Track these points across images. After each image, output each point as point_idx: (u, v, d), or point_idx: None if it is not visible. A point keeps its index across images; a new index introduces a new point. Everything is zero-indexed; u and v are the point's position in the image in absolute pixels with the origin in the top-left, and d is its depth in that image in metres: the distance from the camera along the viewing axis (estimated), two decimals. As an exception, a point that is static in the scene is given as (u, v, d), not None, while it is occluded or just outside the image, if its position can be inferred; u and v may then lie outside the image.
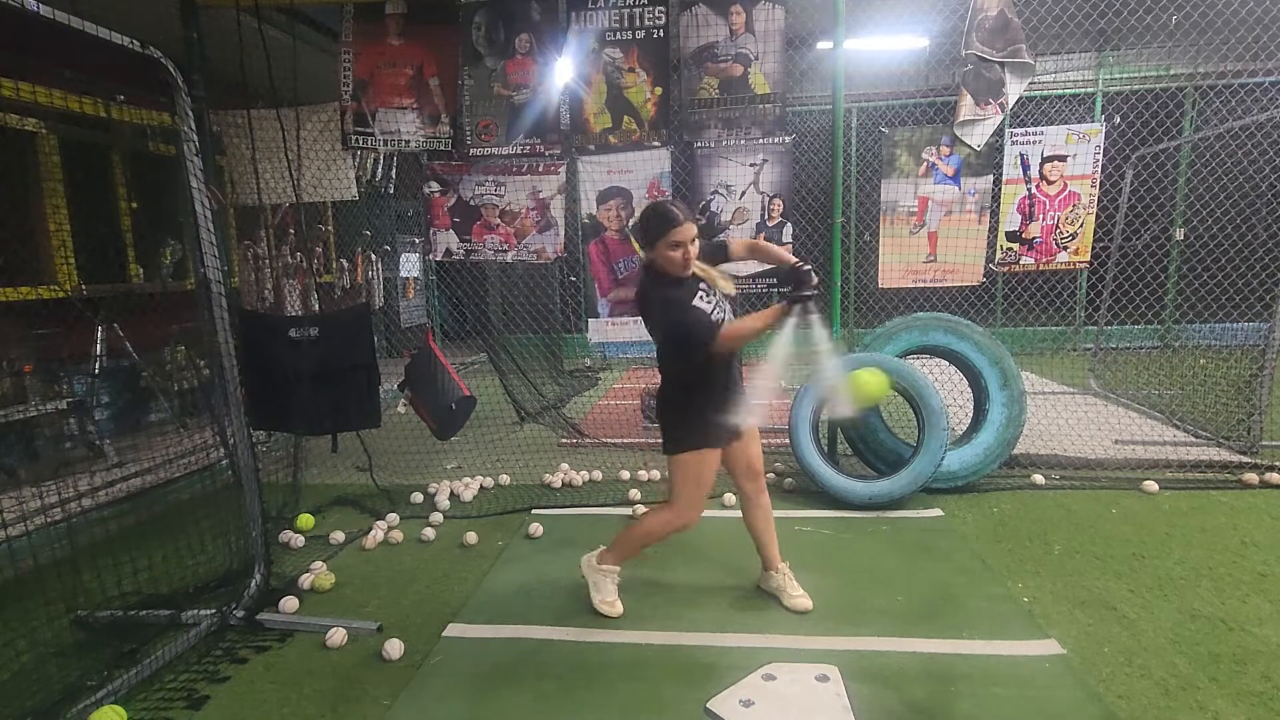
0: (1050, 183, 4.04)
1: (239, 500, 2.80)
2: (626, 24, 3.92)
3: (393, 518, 3.59)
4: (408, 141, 4.12)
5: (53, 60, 4.07)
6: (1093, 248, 4.08)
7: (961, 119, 3.89)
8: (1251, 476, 3.76)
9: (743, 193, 4.04)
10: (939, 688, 2.13)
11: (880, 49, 7.49)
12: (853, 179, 7.77)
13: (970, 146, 3.94)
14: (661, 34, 3.91)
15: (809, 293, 2.26)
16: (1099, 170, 4.02)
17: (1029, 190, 4.05)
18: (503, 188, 4.18)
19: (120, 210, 5.28)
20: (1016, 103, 3.93)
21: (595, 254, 4.24)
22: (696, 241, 2.30)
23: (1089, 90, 7.89)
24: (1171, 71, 7.68)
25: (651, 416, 4.82)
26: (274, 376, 3.57)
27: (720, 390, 2.44)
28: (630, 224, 4.11)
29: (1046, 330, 7.70)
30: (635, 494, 3.84)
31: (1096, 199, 4.05)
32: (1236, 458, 4.05)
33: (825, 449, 3.95)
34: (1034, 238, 4.08)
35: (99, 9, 2.41)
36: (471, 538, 3.34)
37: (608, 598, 2.61)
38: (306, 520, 3.59)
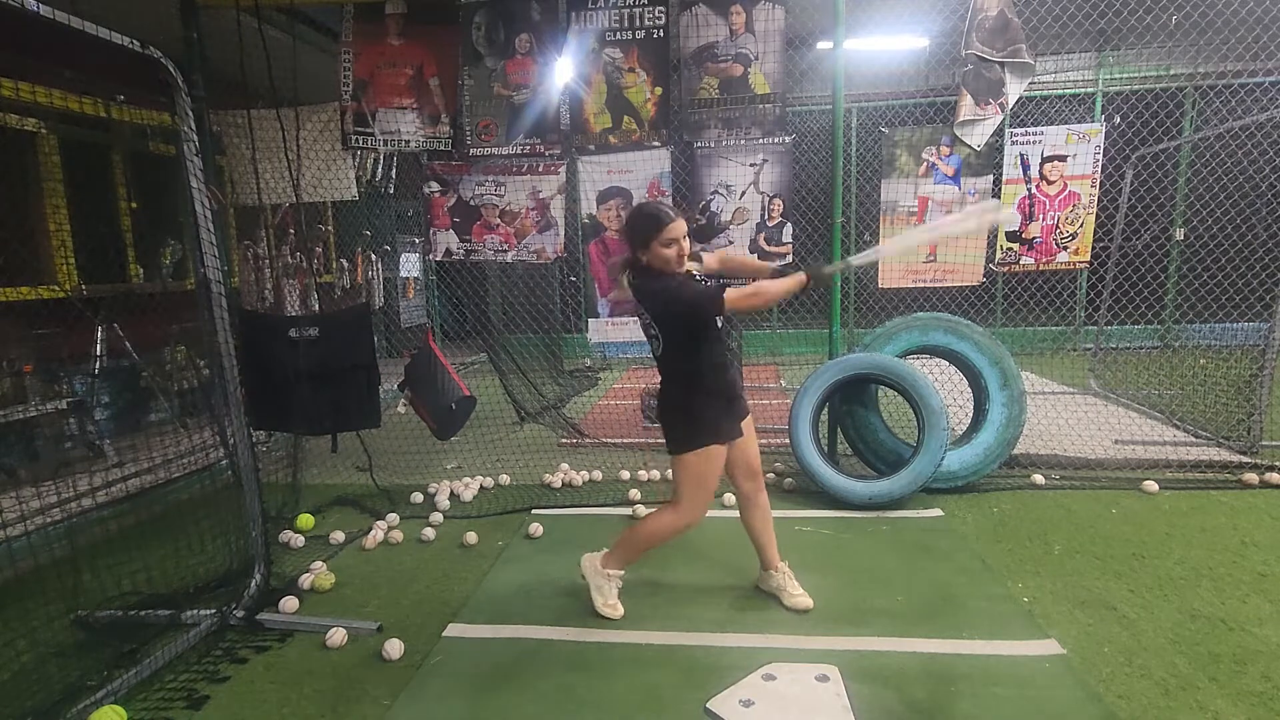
0: (1050, 183, 4.04)
1: (239, 500, 2.80)
2: (626, 24, 3.92)
3: (393, 518, 3.59)
4: (408, 141, 4.12)
5: (53, 60, 4.07)
6: (1093, 248, 4.08)
7: (961, 119, 3.89)
8: (1251, 476, 3.76)
9: (743, 193, 4.04)
10: (939, 688, 2.13)
11: (880, 49, 7.49)
12: (853, 179, 7.77)
13: (970, 146, 3.94)
14: (661, 34, 3.91)
15: (829, 271, 2.48)
16: (1099, 170, 4.02)
17: (1029, 190, 4.05)
18: (503, 188, 4.18)
19: (120, 210, 5.28)
20: (1016, 103, 3.93)
21: (595, 254, 4.24)
22: (688, 238, 2.34)
23: (1089, 90, 7.89)
24: (1171, 71, 7.68)
25: (652, 416, 4.82)
26: (274, 376, 3.57)
27: (720, 386, 2.45)
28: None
29: (1046, 330, 7.70)
30: (635, 494, 3.84)
31: (1096, 199, 4.05)
32: (1236, 458, 4.05)
33: (825, 449, 3.95)
34: (1034, 238, 4.08)
35: (99, 9, 2.41)
36: (471, 538, 3.34)
37: (609, 600, 2.60)
38: (306, 520, 3.59)
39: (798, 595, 2.62)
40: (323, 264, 6.15)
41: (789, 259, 4.07)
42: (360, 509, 3.83)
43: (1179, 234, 7.25)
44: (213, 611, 2.62)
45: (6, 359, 4.19)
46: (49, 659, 2.38)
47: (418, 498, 3.92)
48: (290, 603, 2.71)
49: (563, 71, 3.98)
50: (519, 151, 4.09)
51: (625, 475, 4.21)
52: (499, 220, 4.22)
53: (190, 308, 4.44)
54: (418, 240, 7.83)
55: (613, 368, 7.86)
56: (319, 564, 3.07)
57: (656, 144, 4.01)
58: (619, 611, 2.60)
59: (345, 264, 6.09)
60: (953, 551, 3.08)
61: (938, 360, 4.02)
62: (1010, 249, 4.11)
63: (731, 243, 4.09)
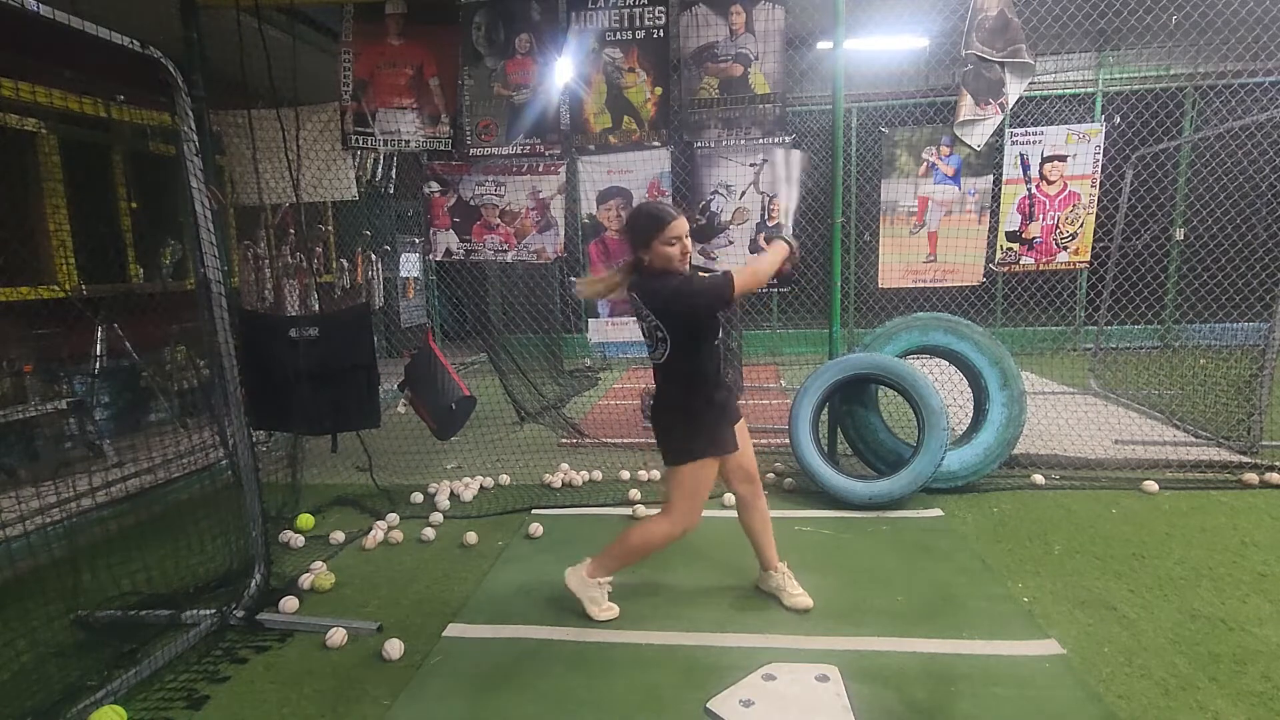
0: (1050, 183, 4.04)
1: (239, 500, 2.80)
2: (626, 24, 3.92)
3: (393, 518, 3.59)
4: (408, 141, 4.12)
5: (53, 60, 4.07)
6: (1093, 248, 4.08)
7: (961, 119, 3.89)
8: (1251, 476, 3.76)
9: (743, 193, 4.04)
10: (939, 688, 2.13)
11: (880, 49, 7.49)
12: (853, 179, 7.77)
13: (970, 146, 3.94)
14: (661, 34, 3.91)
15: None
16: (1099, 170, 4.02)
17: (1029, 190, 4.05)
18: (503, 188, 4.18)
19: (120, 210, 5.28)
20: (1016, 103, 3.93)
21: (595, 254, 4.24)
22: (689, 237, 2.35)
23: (1089, 90, 7.89)
24: (1171, 71, 7.68)
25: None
26: (274, 376, 3.57)
27: (718, 393, 2.45)
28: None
29: (1046, 330, 7.70)
30: (635, 494, 3.84)
31: (1096, 199, 4.05)
32: (1236, 458, 4.05)
33: (825, 449, 3.95)
34: (1034, 238, 4.08)
35: (99, 9, 2.41)
36: (471, 538, 3.34)
37: (602, 605, 2.60)
38: (306, 520, 3.59)
39: (797, 595, 2.62)
40: (323, 264, 6.15)
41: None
42: (360, 509, 3.83)
43: (1179, 234, 7.25)
44: (213, 611, 2.62)
45: (6, 359, 4.19)
46: (49, 659, 2.38)
47: (418, 498, 3.92)
48: (290, 603, 2.71)
49: (563, 71, 3.98)
50: (519, 151, 4.09)
51: (625, 475, 4.21)
52: (499, 220, 4.22)
53: (190, 308, 4.44)
54: (418, 240, 7.83)
55: (613, 368, 7.87)
56: (319, 564, 3.07)
57: (656, 144, 4.01)
58: (615, 612, 2.60)
59: (345, 264, 6.09)
60: (953, 551, 3.08)
61: (938, 360, 4.02)
62: (1010, 249, 4.11)
63: (731, 243, 4.08)
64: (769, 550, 2.68)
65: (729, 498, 3.51)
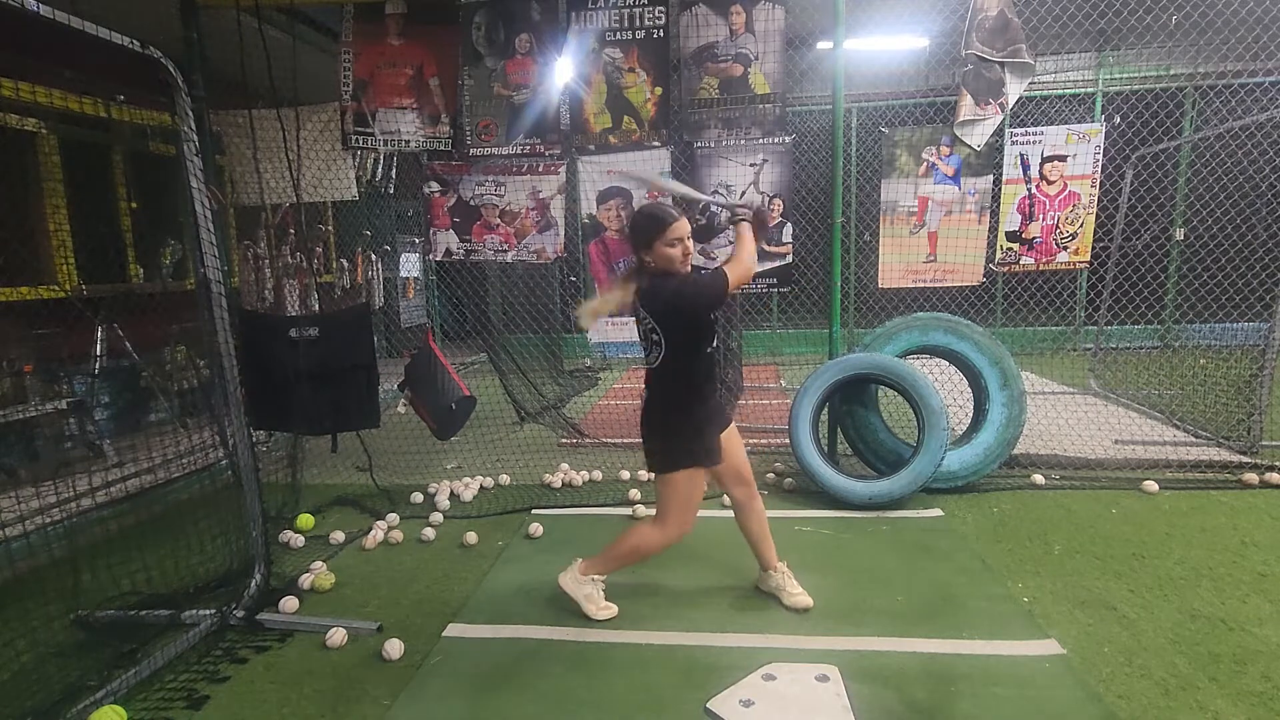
0: (1050, 183, 4.04)
1: (239, 500, 2.80)
2: (626, 24, 3.92)
3: (393, 518, 3.59)
4: (408, 141, 4.12)
5: (53, 60, 4.07)
6: (1093, 248, 4.08)
7: (961, 119, 3.89)
8: (1251, 476, 3.76)
9: (743, 193, 4.04)
10: (939, 688, 2.13)
11: (880, 49, 7.49)
12: (853, 179, 7.77)
13: (970, 146, 3.94)
14: (661, 34, 3.91)
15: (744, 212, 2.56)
16: (1099, 170, 4.02)
17: (1029, 190, 4.05)
18: (503, 188, 4.18)
19: (120, 210, 5.28)
20: (1016, 103, 3.93)
21: (595, 254, 4.24)
22: (690, 237, 2.34)
23: (1089, 90, 7.89)
24: (1171, 71, 7.68)
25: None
26: (274, 376, 3.57)
27: (709, 401, 2.46)
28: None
29: (1046, 330, 7.70)
30: (635, 494, 3.84)
31: (1096, 199, 4.05)
32: (1236, 458, 4.05)
33: (825, 449, 3.95)
34: (1034, 238, 4.08)
35: (99, 9, 2.41)
36: (471, 538, 3.34)
37: (600, 604, 2.60)
38: (306, 520, 3.59)
39: (797, 594, 2.62)
40: (323, 264, 6.15)
41: (789, 259, 4.07)
42: (360, 509, 3.83)
43: (1179, 234, 7.25)
44: (213, 611, 2.62)
45: (6, 359, 4.19)
46: (49, 659, 2.38)
47: (418, 498, 3.92)
48: (290, 603, 2.71)
49: (563, 71, 3.98)
50: (519, 151, 4.09)
51: (625, 475, 4.21)
52: (499, 220, 4.22)
53: (190, 308, 4.44)
54: (418, 240, 7.83)
55: (613, 368, 7.86)
56: (319, 564, 3.07)
57: (656, 144, 4.01)
58: (613, 610, 2.60)
59: (345, 264, 6.09)
60: (953, 551, 3.08)
61: (938, 360, 4.02)
62: (1010, 249, 4.11)
63: (731, 243, 4.07)
64: (768, 550, 2.69)
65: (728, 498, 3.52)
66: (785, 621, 2.54)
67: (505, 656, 2.39)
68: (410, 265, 8.48)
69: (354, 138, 4.12)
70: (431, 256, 4.33)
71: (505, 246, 4.25)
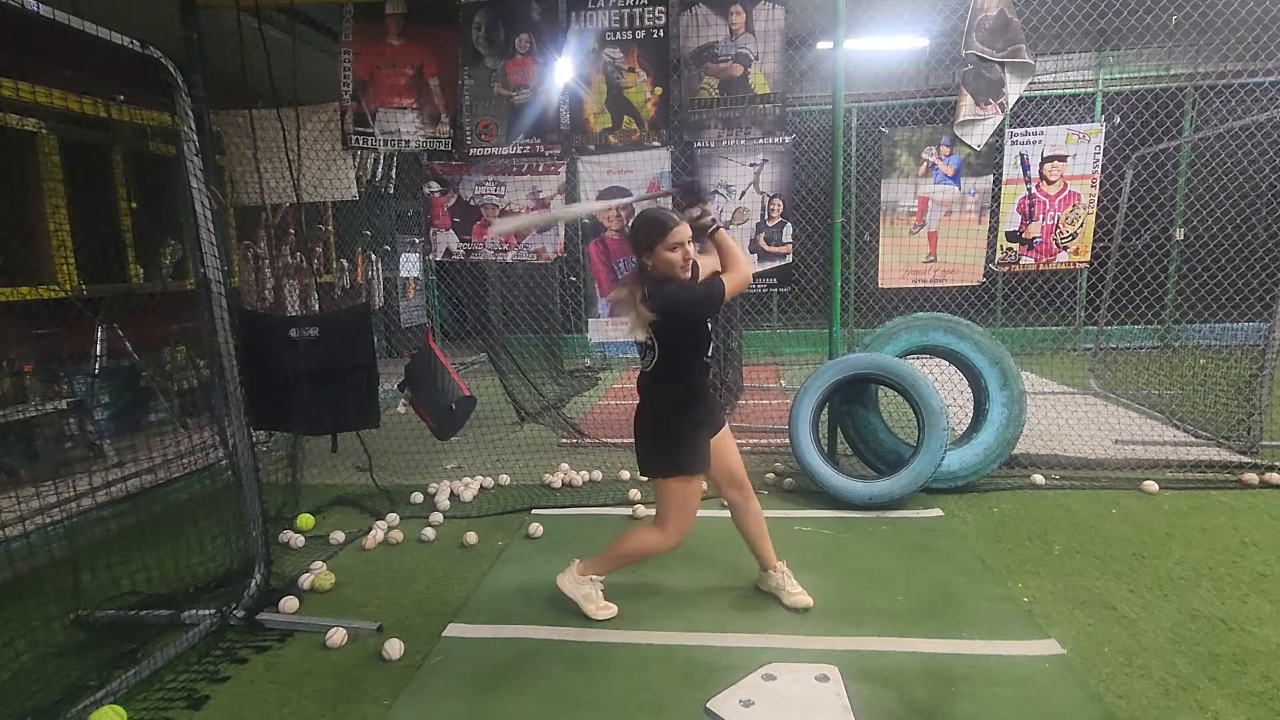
0: (1050, 183, 4.04)
1: (239, 500, 2.80)
2: (626, 24, 3.92)
3: (393, 518, 3.59)
4: (408, 141, 4.12)
5: (53, 60, 4.07)
6: (1093, 248, 4.08)
7: (961, 119, 3.89)
8: (1251, 476, 3.76)
9: (743, 193, 4.04)
10: (939, 688, 2.13)
11: (880, 49, 7.49)
12: (853, 179, 7.77)
13: (970, 146, 3.94)
14: (661, 34, 3.91)
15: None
16: (1099, 170, 4.02)
17: (1029, 190, 4.05)
18: (503, 188, 4.18)
19: (120, 210, 5.28)
20: (1016, 103, 3.93)
21: (595, 254, 4.24)
22: (691, 243, 2.34)
23: (1089, 90, 7.90)
24: (1171, 71, 7.68)
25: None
26: (274, 376, 3.57)
27: (702, 407, 2.46)
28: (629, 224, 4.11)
29: (1046, 330, 7.70)
30: (635, 494, 3.84)
31: (1096, 199, 4.05)
32: (1236, 458, 4.05)
33: (825, 449, 3.95)
34: (1034, 238, 4.08)
35: (99, 9, 2.41)
36: (471, 538, 3.34)
37: (599, 604, 2.60)
38: (306, 520, 3.59)
39: (797, 594, 2.62)
40: (323, 264, 6.15)
41: (789, 259, 4.07)
42: (360, 509, 3.83)
43: (1179, 234, 7.25)
44: (213, 611, 2.62)
45: (6, 359, 4.19)
46: (49, 659, 2.38)
47: (418, 498, 3.92)
48: (290, 603, 2.71)
49: (563, 71, 3.98)
50: (519, 151, 4.09)
51: (625, 475, 4.21)
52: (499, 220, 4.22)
53: (190, 308, 4.44)
54: (418, 240, 7.83)
55: (613, 368, 7.86)
56: (319, 564, 3.07)
57: (656, 144, 4.01)
58: (613, 610, 2.60)
59: (345, 264, 6.09)
60: (953, 551, 3.08)
61: (938, 360, 4.02)
62: (1010, 249, 4.11)
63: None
64: (767, 550, 2.69)
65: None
66: (785, 621, 2.54)
67: (505, 656, 2.39)
68: (410, 265, 8.48)
69: (354, 138, 4.12)
70: (431, 256, 4.33)
71: (505, 246, 4.25)
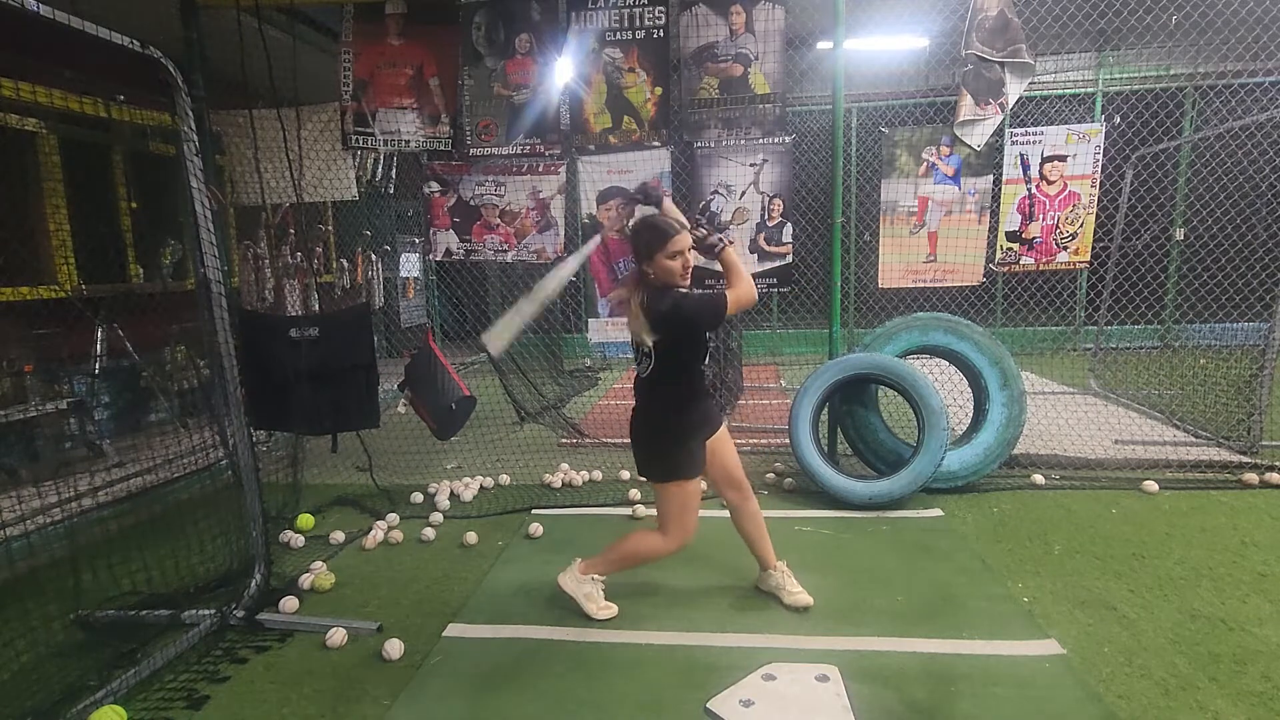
0: (1050, 183, 4.04)
1: (239, 500, 2.80)
2: (626, 24, 3.92)
3: (393, 518, 3.59)
4: (408, 141, 4.12)
5: (53, 60, 4.07)
6: (1093, 248, 4.08)
7: (961, 119, 3.89)
8: (1251, 476, 3.76)
9: (743, 193, 4.04)
10: (939, 688, 2.13)
11: (880, 49, 7.49)
12: (853, 179, 7.77)
13: (970, 146, 3.94)
14: (661, 34, 3.91)
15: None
16: (1099, 170, 4.02)
17: (1029, 190, 4.05)
18: (503, 188, 4.18)
19: (120, 210, 5.28)
20: (1016, 103, 3.93)
21: (595, 254, 4.23)
22: (692, 250, 2.33)
23: (1089, 90, 7.90)
24: (1171, 71, 7.68)
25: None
26: (274, 376, 3.57)
27: (697, 411, 2.46)
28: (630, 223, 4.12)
29: (1046, 330, 7.70)
30: (635, 494, 3.84)
31: (1096, 199, 4.05)
32: (1236, 458, 4.05)
33: (825, 449, 3.95)
34: (1034, 238, 4.08)
35: (99, 9, 2.41)
36: (471, 538, 3.34)
37: (600, 603, 2.60)
38: (306, 520, 3.59)
39: (797, 593, 2.62)
40: (323, 264, 6.15)
41: (789, 259, 4.07)
42: (360, 509, 3.83)
43: (1179, 234, 7.25)
44: (213, 611, 2.62)
45: (6, 359, 4.19)
46: (49, 659, 2.38)
47: (418, 498, 3.92)
48: (290, 603, 2.71)
49: (563, 71, 3.98)
50: (519, 151, 4.09)
51: (625, 475, 4.21)
52: (499, 220, 4.22)
53: (190, 308, 4.44)
54: (418, 240, 7.83)
55: (613, 368, 7.86)
56: (319, 564, 3.07)
57: (656, 144, 4.01)
58: (613, 610, 2.60)
59: (345, 264, 6.09)
60: (953, 551, 3.08)
61: (938, 360, 4.02)
62: (1010, 249, 4.11)
63: (731, 242, 4.07)
64: (766, 550, 2.69)
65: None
66: (785, 621, 2.54)
67: (505, 656, 2.39)
68: (410, 265, 8.47)
69: (354, 138, 4.12)
70: (431, 256, 4.33)
71: (505, 246, 4.25)
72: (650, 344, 2.35)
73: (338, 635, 2.48)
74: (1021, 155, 4.02)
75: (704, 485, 2.62)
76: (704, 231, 2.43)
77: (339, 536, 3.41)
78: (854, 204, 7.99)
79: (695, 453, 2.45)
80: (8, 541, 3.02)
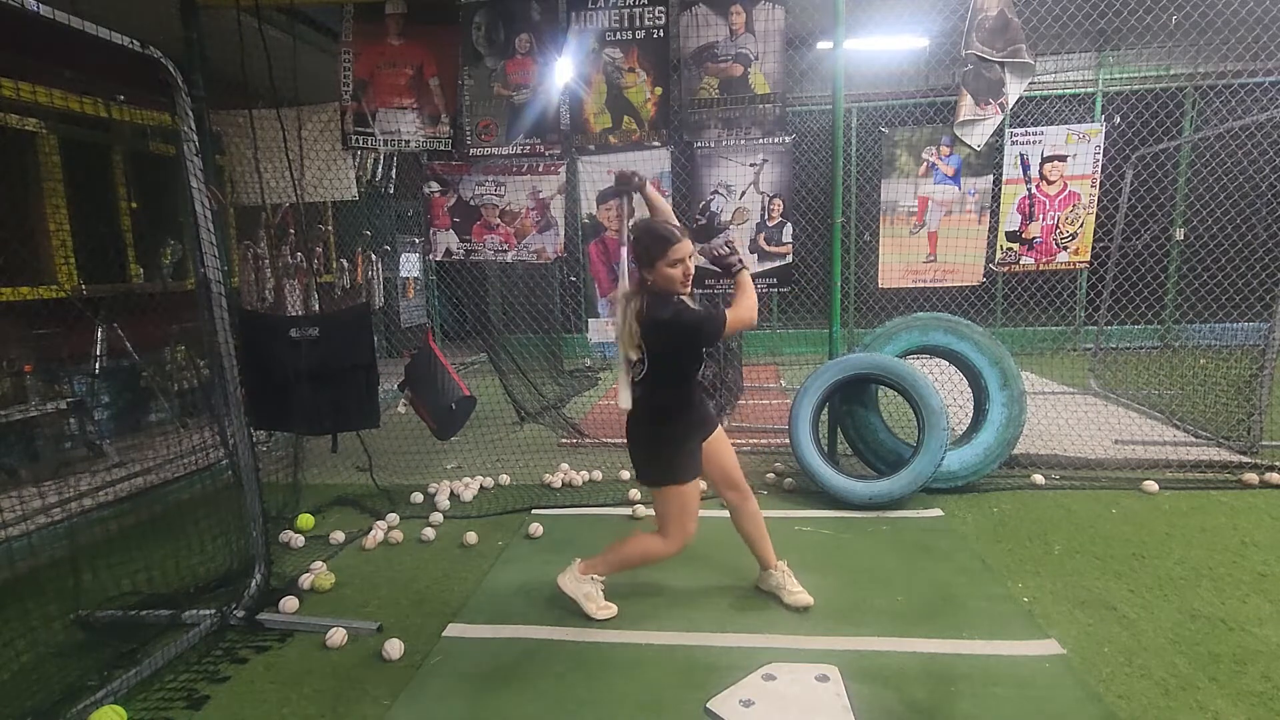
0: (1050, 183, 4.04)
1: (239, 500, 2.80)
2: (626, 24, 3.92)
3: (393, 518, 3.59)
4: (408, 141, 4.12)
5: (53, 60, 4.07)
6: (1093, 248, 4.08)
7: (961, 119, 3.89)
8: (1251, 476, 3.76)
9: (743, 193, 4.04)
10: (939, 688, 2.13)
11: (880, 49, 7.49)
12: (853, 179, 7.77)
13: (970, 146, 3.94)
14: (661, 34, 3.91)
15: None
16: (1099, 170, 4.02)
17: (1029, 190, 4.05)
18: (503, 188, 4.18)
19: (120, 210, 5.28)
20: (1016, 103, 3.93)
21: (595, 254, 4.24)
22: (694, 257, 2.33)
23: (1089, 90, 7.89)
24: (1171, 71, 7.68)
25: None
26: (274, 376, 3.57)
27: (691, 417, 2.46)
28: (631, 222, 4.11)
29: (1046, 330, 7.70)
30: (635, 494, 3.83)
31: (1096, 199, 4.05)
32: (1236, 458, 4.05)
33: (825, 449, 3.95)
34: (1034, 238, 4.08)
35: (99, 9, 2.41)
36: (471, 538, 3.34)
37: (600, 604, 2.60)
38: (306, 520, 3.59)
39: (797, 593, 2.62)
40: (323, 264, 6.15)
41: (789, 259, 4.07)
42: (360, 509, 3.83)
43: (1179, 234, 7.25)
44: (213, 611, 2.62)
45: (6, 359, 4.19)
46: (49, 659, 2.38)
47: (418, 498, 3.92)
48: (290, 603, 2.71)
49: (563, 71, 3.98)
50: (519, 151, 4.09)
51: (625, 475, 4.21)
52: (499, 220, 4.22)
53: (190, 308, 4.44)
54: (418, 240, 7.83)
55: (613, 368, 7.84)
56: (319, 564, 3.07)
57: (656, 144, 4.01)
58: (613, 610, 2.60)
59: (345, 264, 6.09)
60: (953, 551, 3.08)
61: (938, 360, 4.02)
62: (1010, 249, 4.11)
63: (729, 242, 4.08)
64: (766, 550, 2.69)
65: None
66: (785, 621, 2.54)
67: (505, 656, 2.39)
68: (410, 265, 8.47)
69: (354, 138, 4.12)
70: (431, 256, 4.33)
71: (505, 246, 4.25)
72: (643, 350, 2.35)
73: (338, 635, 2.48)
74: (1021, 155, 4.02)
75: (704, 486, 2.62)
76: (726, 250, 2.46)
77: (339, 536, 3.41)
78: (854, 204, 7.99)
79: (692, 455, 2.45)
80: (8, 541, 3.02)
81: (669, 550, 2.51)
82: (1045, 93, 7.71)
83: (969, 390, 4.01)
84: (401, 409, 5.48)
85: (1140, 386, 5.55)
